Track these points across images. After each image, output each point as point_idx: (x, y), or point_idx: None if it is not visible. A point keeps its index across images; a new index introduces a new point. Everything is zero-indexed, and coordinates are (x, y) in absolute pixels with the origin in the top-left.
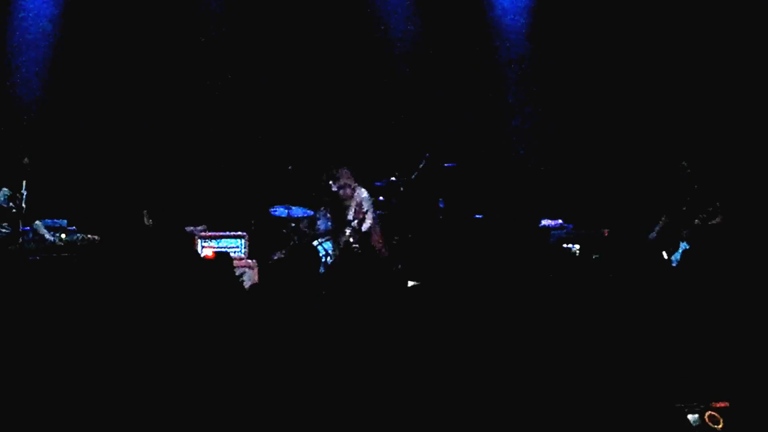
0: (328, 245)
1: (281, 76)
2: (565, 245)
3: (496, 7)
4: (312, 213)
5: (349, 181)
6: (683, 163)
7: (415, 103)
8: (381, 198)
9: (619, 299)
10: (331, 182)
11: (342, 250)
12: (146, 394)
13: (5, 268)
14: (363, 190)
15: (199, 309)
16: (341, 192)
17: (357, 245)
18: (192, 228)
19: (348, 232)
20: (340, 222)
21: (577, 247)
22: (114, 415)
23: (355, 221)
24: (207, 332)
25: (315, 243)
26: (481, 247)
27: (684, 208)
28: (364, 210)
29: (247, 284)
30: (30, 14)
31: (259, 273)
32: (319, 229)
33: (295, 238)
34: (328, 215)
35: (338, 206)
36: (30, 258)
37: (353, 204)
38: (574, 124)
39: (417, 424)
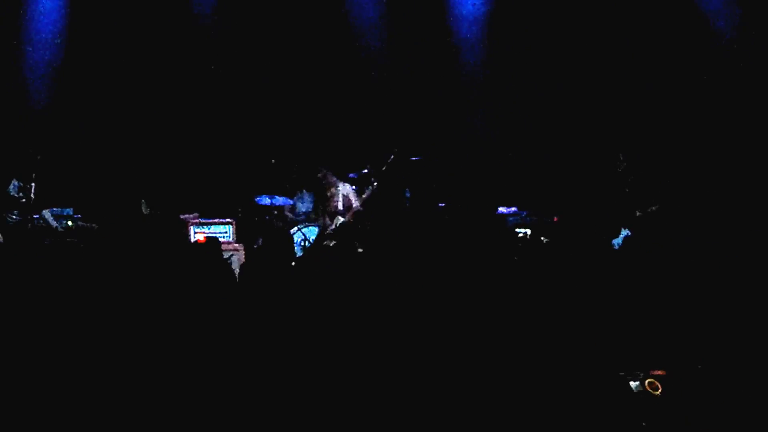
0: (307, 231)
1: (265, 81)
2: (517, 230)
3: (457, 16)
4: (292, 201)
5: (330, 178)
6: (620, 156)
7: (385, 103)
8: (354, 187)
9: (567, 277)
10: (319, 175)
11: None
12: (147, 365)
13: (17, 252)
14: (348, 184)
15: (191, 288)
16: (326, 187)
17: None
18: (185, 215)
19: (341, 220)
20: (328, 213)
21: (528, 231)
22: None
23: (344, 209)
24: (199, 310)
25: (294, 229)
26: (443, 232)
27: (623, 198)
28: (353, 201)
29: (234, 265)
30: (41, 13)
31: (245, 255)
32: (299, 212)
33: (279, 223)
34: (305, 198)
35: (326, 199)
36: (40, 243)
37: (339, 195)
38: (528, 122)
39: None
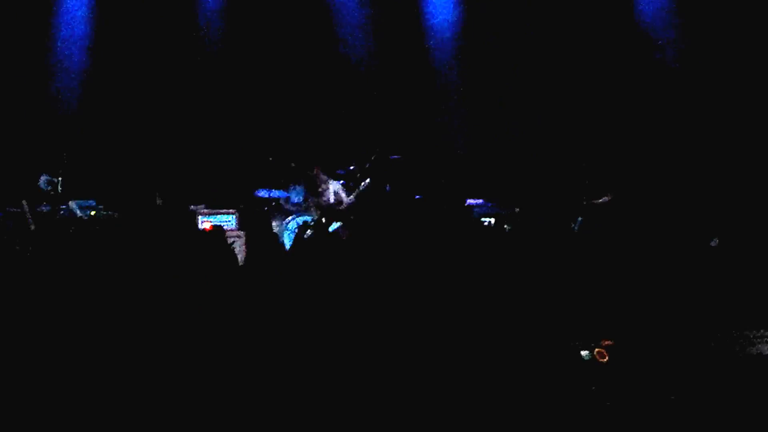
0: (301, 219)
1: (260, 86)
2: (482, 219)
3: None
4: (287, 194)
5: (321, 175)
6: (583, 163)
7: (369, 106)
8: (342, 182)
9: (525, 259)
10: (315, 177)
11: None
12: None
13: (46, 238)
14: (337, 182)
15: (201, 268)
16: (318, 183)
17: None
18: (194, 206)
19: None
20: (317, 206)
21: (492, 220)
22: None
23: (334, 204)
24: (207, 290)
25: (290, 218)
26: (418, 221)
27: (579, 194)
28: (344, 197)
29: (237, 249)
30: (69, 17)
31: (247, 241)
32: (292, 202)
33: (276, 215)
34: (298, 191)
35: (317, 194)
36: (67, 231)
37: (329, 191)
38: (498, 120)
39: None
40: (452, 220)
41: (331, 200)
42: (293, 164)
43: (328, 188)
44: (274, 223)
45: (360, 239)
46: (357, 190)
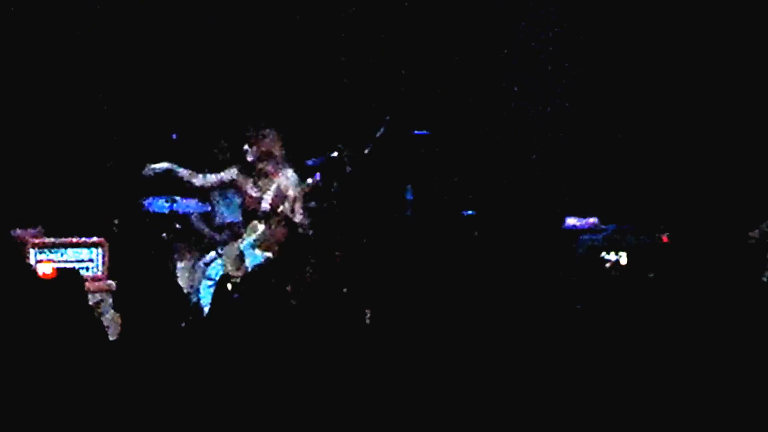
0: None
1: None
2: (603, 255)
3: None
4: (208, 206)
5: (274, 150)
6: None
7: (365, 38)
8: (317, 177)
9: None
10: (246, 147)
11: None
12: None
13: None
14: (291, 170)
15: (31, 357)
16: (259, 165)
17: (265, 259)
18: (20, 231)
19: (255, 235)
20: (246, 215)
21: (623, 257)
22: None
23: (271, 214)
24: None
25: (211, 255)
26: (473, 260)
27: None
28: (291, 198)
29: (107, 319)
30: None
31: (122, 302)
32: (221, 223)
33: (184, 248)
34: (232, 200)
35: (248, 189)
36: None
37: (272, 187)
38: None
39: None
40: (541, 259)
41: (265, 203)
42: (223, 142)
43: (277, 172)
44: (180, 266)
45: (351, 297)
46: (303, 186)
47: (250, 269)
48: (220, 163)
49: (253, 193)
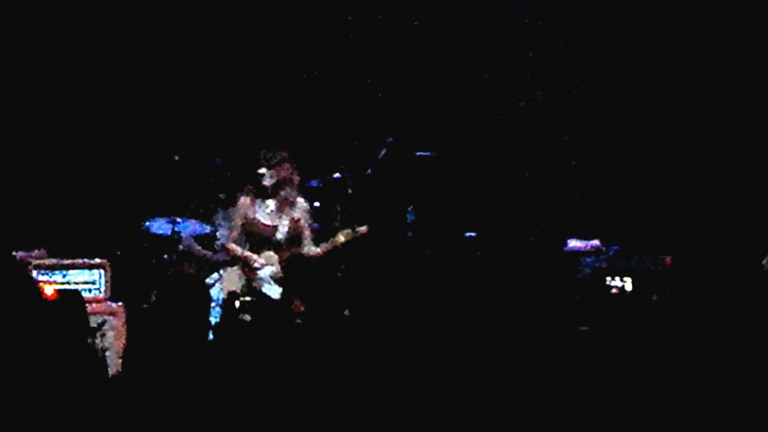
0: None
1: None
2: (608, 281)
3: None
4: (211, 228)
5: (291, 175)
6: None
7: (367, 61)
8: (317, 204)
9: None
10: (263, 170)
11: (258, 294)
12: None
13: None
14: (301, 198)
15: (33, 378)
16: (281, 192)
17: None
18: (23, 253)
19: (273, 268)
20: (256, 244)
21: (628, 283)
22: None
23: (286, 244)
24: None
25: (213, 277)
26: (475, 281)
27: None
28: (303, 227)
29: (108, 340)
30: None
31: (128, 323)
32: (221, 244)
33: (186, 267)
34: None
35: (260, 217)
36: None
37: (290, 215)
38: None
39: None
40: (543, 283)
41: (281, 233)
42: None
43: (294, 199)
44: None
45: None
46: (334, 239)
47: (265, 299)
48: (217, 190)
49: (267, 221)
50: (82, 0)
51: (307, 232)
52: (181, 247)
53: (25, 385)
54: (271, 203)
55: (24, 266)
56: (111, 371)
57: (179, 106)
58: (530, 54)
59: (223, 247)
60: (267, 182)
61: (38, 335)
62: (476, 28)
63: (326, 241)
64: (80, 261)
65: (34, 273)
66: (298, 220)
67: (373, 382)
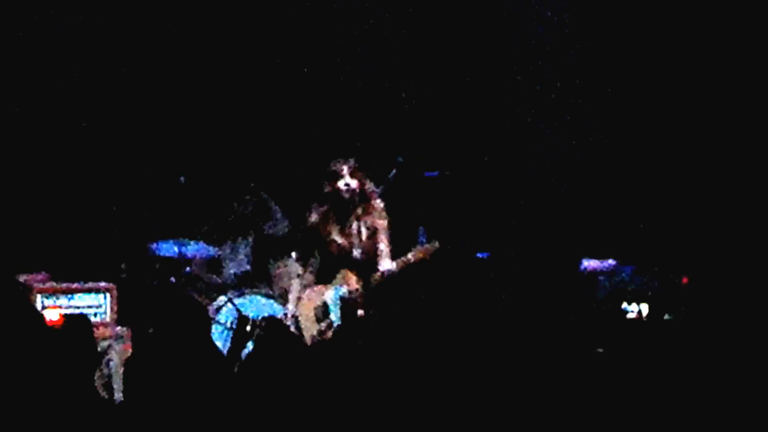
0: (244, 304)
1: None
2: (625, 307)
3: None
4: (217, 252)
5: (365, 185)
6: None
7: (375, 80)
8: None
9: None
10: (341, 183)
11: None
12: None
13: None
14: (380, 201)
15: (39, 405)
16: (358, 204)
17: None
18: (27, 277)
19: (346, 288)
20: (334, 263)
21: (644, 308)
22: None
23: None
24: None
25: (220, 301)
26: (488, 303)
27: None
28: (381, 240)
29: (114, 366)
30: None
31: (134, 347)
32: (228, 273)
33: (191, 290)
34: (240, 250)
35: (334, 235)
36: None
37: (367, 227)
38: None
39: None
40: (557, 305)
41: (383, 245)
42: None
43: (375, 203)
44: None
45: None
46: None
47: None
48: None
49: (342, 240)
50: (92, 19)
51: (384, 245)
52: (188, 269)
53: (30, 411)
54: (343, 218)
55: (27, 290)
56: (117, 397)
57: (187, 127)
58: (542, 70)
59: (228, 273)
60: (347, 195)
61: (43, 361)
62: (487, 46)
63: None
64: (85, 285)
65: (39, 297)
66: (375, 231)
67: (384, 405)
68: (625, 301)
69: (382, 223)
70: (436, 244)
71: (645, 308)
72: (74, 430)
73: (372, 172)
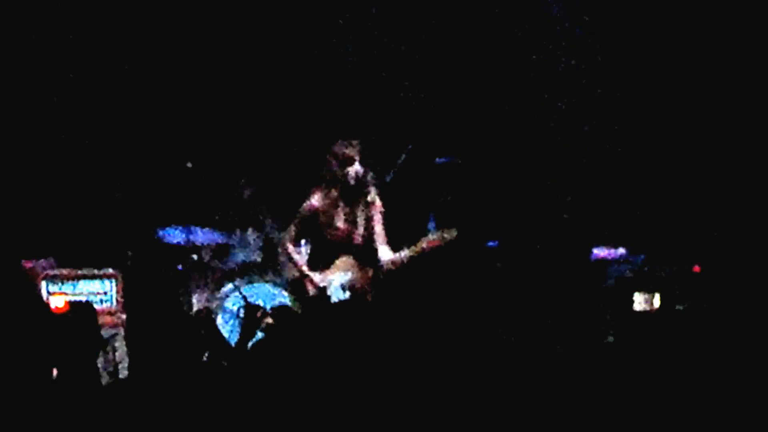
0: (252, 291)
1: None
2: (637, 297)
3: None
4: (225, 238)
5: (366, 170)
6: None
7: (387, 67)
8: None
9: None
10: (349, 168)
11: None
12: None
13: None
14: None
15: (43, 392)
16: (359, 189)
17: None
18: (32, 262)
19: (349, 275)
20: (334, 249)
21: (656, 297)
22: None
23: (365, 246)
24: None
25: (227, 288)
26: (497, 292)
27: None
28: (377, 228)
29: (120, 354)
30: None
31: (140, 336)
32: (235, 260)
33: (200, 280)
34: (249, 238)
35: (336, 220)
36: None
37: (365, 215)
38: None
39: None
40: (568, 293)
41: (378, 226)
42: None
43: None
44: (195, 297)
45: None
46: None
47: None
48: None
49: (344, 225)
50: (97, 9)
51: (380, 234)
52: (194, 257)
53: (34, 398)
54: (348, 204)
55: (33, 277)
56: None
57: (194, 112)
58: (555, 57)
59: (236, 261)
60: (353, 181)
61: (48, 348)
62: (500, 33)
63: (407, 247)
64: (91, 271)
65: (44, 283)
66: (372, 219)
67: (389, 398)
68: (636, 290)
69: (379, 210)
70: (454, 232)
71: (656, 298)
72: (77, 417)
73: (381, 158)
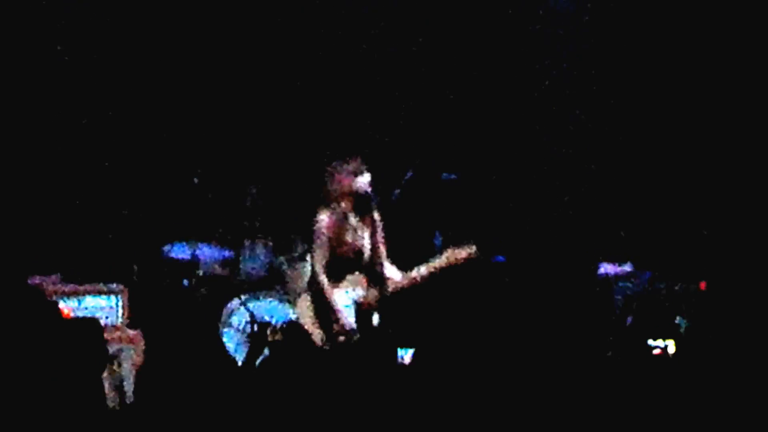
0: (259, 307)
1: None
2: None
3: None
4: (229, 253)
5: (368, 187)
6: None
7: (392, 84)
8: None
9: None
10: (359, 180)
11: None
12: None
13: None
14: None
15: (48, 408)
16: (365, 205)
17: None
18: (38, 278)
19: (359, 291)
20: (345, 266)
21: (670, 344)
22: None
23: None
24: None
25: (234, 303)
26: (503, 308)
27: None
28: (380, 244)
29: (126, 370)
30: None
31: (146, 352)
32: (243, 274)
33: (203, 291)
34: (257, 251)
35: (346, 235)
36: None
37: (370, 230)
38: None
39: None
40: (575, 310)
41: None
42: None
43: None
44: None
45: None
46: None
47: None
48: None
49: (352, 240)
50: (107, 24)
51: (382, 250)
52: (200, 272)
53: (40, 414)
54: (356, 219)
55: (39, 293)
56: (128, 402)
57: (200, 128)
58: (561, 75)
59: (244, 274)
60: (363, 192)
61: (55, 365)
62: (503, 51)
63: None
64: (96, 287)
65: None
66: (375, 235)
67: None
68: (649, 304)
69: (378, 230)
70: (474, 248)
71: (671, 345)
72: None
73: (387, 175)
